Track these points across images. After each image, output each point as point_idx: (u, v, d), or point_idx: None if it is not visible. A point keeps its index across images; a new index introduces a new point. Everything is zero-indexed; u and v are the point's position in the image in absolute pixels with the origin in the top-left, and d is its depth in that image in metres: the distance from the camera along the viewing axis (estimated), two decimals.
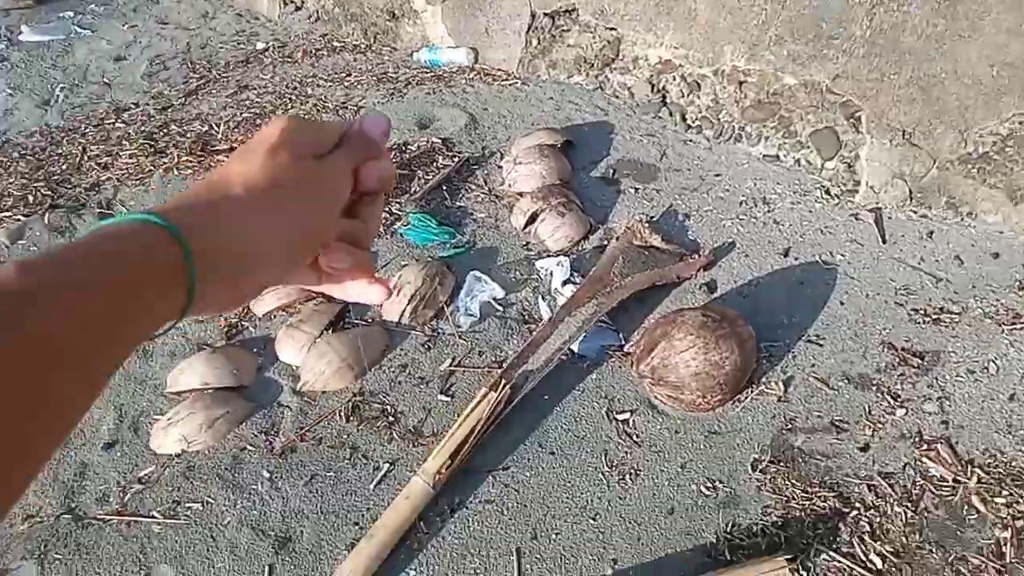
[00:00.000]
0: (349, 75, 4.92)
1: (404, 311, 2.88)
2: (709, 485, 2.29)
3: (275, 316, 2.94)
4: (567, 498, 2.27)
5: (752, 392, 2.56)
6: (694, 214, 3.44)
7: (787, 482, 2.28)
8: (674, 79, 4.06)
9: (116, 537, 2.19)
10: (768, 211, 3.45)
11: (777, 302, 2.92)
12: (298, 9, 5.96)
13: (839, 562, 2.05)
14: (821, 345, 2.75)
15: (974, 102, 3.16)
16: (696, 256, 3.16)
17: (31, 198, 3.68)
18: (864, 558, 2.05)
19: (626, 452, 2.39)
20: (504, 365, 2.53)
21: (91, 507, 2.28)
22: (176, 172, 3.85)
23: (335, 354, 2.65)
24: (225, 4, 6.26)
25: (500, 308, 2.96)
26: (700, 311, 2.56)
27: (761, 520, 2.18)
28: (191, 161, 3.96)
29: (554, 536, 2.17)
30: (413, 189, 3.64)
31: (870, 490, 2.23)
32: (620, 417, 2.51)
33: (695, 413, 2.51)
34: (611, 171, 3.78)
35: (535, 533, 2.18)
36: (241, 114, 4.43)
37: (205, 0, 6.39)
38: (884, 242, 3.26)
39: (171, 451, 2.42)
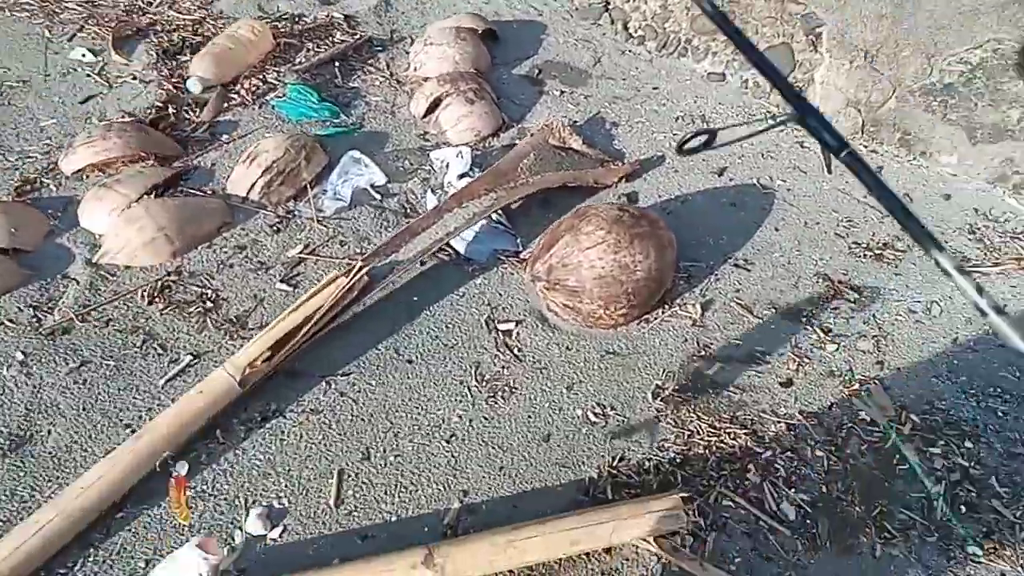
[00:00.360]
0: None
1: (255, 184, 2.31)
2: (598, 411, 1.82)
3: (88, 176, 2.32)
4: (418, 414, 1.77)
5: (663, 313, 2.11)
6: (623, 124, 2.96)
7: (692, 414, 1.83)
8: None
9: None
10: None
11: (704, 222, 2.47)
12: None
13: (744, 509, 1.61)
14: (748, 270, 2.31)
15: (948, 22, 2.75)
16: (619, 163, 2.68)
17: None
18: (775, 506, 1.63)
19: (503, 367, 1.90)
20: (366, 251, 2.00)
21: None
22: (6, 13, 3.14)
23: (151, 221, 2.07)
24: None
25: (378, 197, 2.42)
26: (616, 206, 2.08)
27: (655, 455, 1.73)
28: (28, 4, 3.25)
29: (392, 458, 1.66)
30: (298, 60, 3.04)
31: (789, 430, 1.80)
32: (502, 327, 2.02)
33: (593, 329, 2.04)
34: (536, 71, 3.26)
35: (368, 453, 1.67)
36: None
37: None
38: (829, 172, 2.83)
39: None
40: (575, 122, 2.87)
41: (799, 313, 2.17)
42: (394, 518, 1.56)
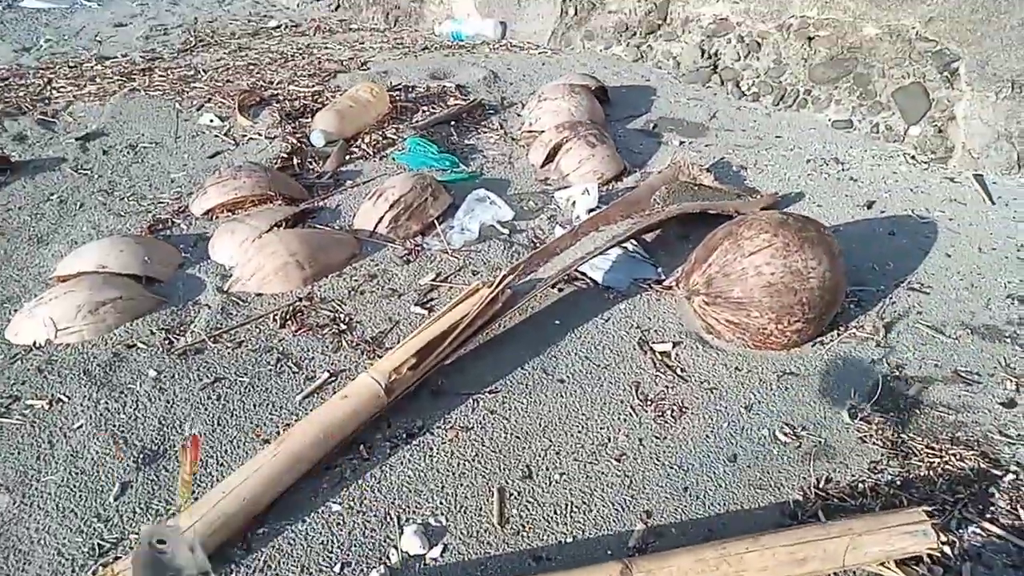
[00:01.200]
0: (360, 43, 4.46)
1: (382, 218, 2.23)
2: (788, 431, 1.56)
3: (217, 216, 2.30)
4: (579, 432, 1.54)
5: (838, 336, 1.86)
6: (751, 167, 2.82)
7: (903, 435, 1.54)
8: (729, 41, 3.52)
9: None
10: (842, 169, 2.81)
11: (864, 249, 2.25)
12: None
13: (1000, 538, 1.30)
14: (927, 294, 2.05)
15: None
16: (759, 195, 2.50)
17: None
18: None
19: (666, 387, 1.67)
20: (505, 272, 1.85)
21: None
22: (143, 93, 3.31)
23: (283, 247, 1.99)
24: None
25: (505, 232, 2.30)
26: (778, 211, 1.89)
27: (869, 477, 1.44)
28: (162, 85, 3.42)
29: (557, 476, 1.43)
30: (415, 120, 3.05)
31: None
32: (659, 348, 1.80)
33: (762, 350, 1.80)
34: (651, 124, 3.19)
35: (529, 471, 1.45)
36: (233, 63, 3.93)
37: None
38: (992, 203, 2.59)
39: (30, 340, 1.73)
40: (702, 166, 2.73)
41: (1000, 334, 1.88)
42: (569, 539, 1.31)
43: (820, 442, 1.54)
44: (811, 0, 3.19)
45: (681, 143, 3.02)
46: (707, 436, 1.55)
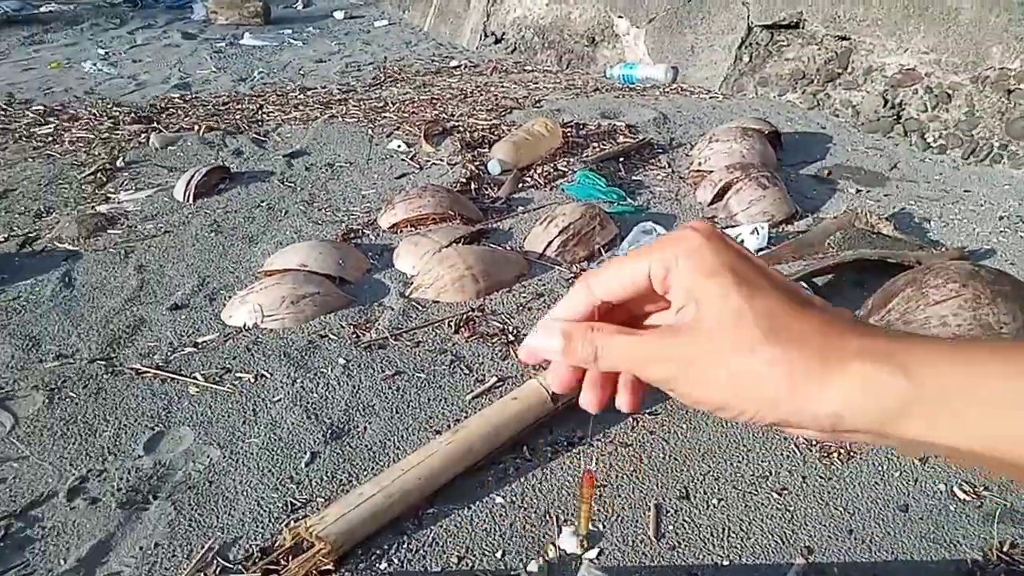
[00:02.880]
0: (535, 83, 4.68)
1: (552, 242, 2.34)
2: (968, 489, 1.47)
3: (402, 230, 2.50)
4: (738, 463, 1.54)
5: None
6: (935, 219, 2.68)
7: None
8: (915, 91, 3.38)
9: (144, 391, 1.73)
10: None
11: None
12: (497, 41, 5.94)
13: None
14: None
15: None
16: (944, 248, 2.38)
17: (196, 126, 3.59)
18: None
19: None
20: None
21: (130, 359, 1.86)
22: (339, 119, 3.65)
23: (461, 261, 2.14)
24: (429, 37, 6.42)
25: None
26: (968, 262, 1.80)
27: None
28: (356, 114, 3.76)
29: (715, 501, 1.44)
30: (585, 154, 3.17)
31: None
32: None
33: None
34: (825, 171, 3.12)
35: (686, 492, 1.46)
36: (419, 97, 4.26)
37: (411, 32, 6.61)
38: None
39: (240, 323, 1.97)
40: (880, 215, 2.64)
41: None
42: (725, 562, 1.31)
43: (1005, 505, 1.44)
44: (1014, 51, 3.02)
45: (858, 191, 2.94)
46: (876, 483, 1.49)
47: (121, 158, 3.13)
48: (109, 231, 2.52)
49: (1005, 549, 1.34)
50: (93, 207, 2.70)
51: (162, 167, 3.08)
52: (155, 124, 3.59)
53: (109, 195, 2.82)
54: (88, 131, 3.51)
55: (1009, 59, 3.05)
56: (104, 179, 2.95)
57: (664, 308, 0.44)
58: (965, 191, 2.93)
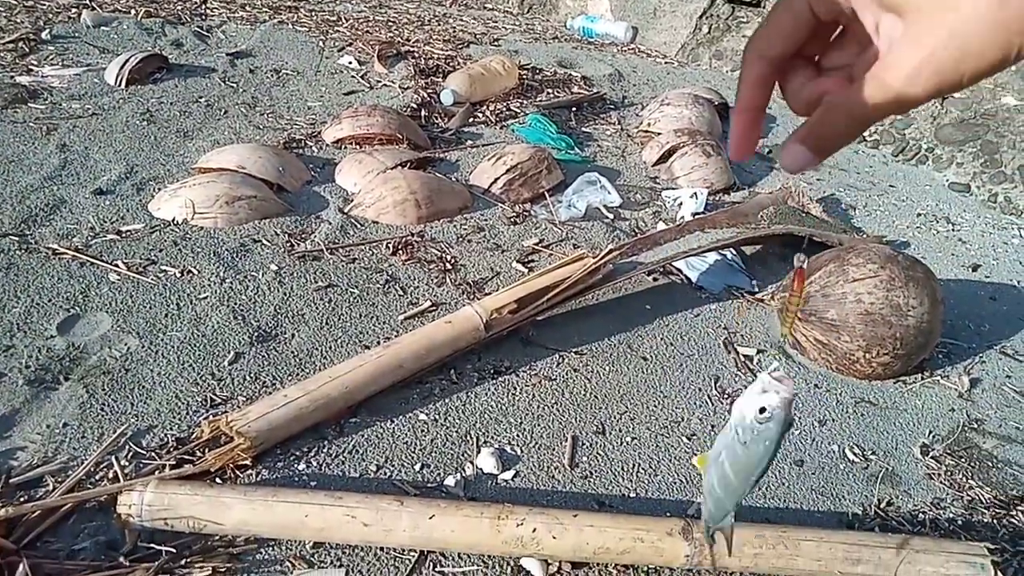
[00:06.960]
0: (494, 21, 4.59)
1: (498, 179, 2.33)
2: (857, 452, 1.59)
3: (346, 146, 2.44)
4: (654, 406, 1.61)
5: (922, 379, 1.87)
6: (860, 208, 2.82)
7: (971, 481, 1.55)
8: None
9: (60, 272, 1.65)
10: (952, 229, 2.78)
11: (962, 308, 2.24)
12: None
13: None
14: (1020, 361, 2.03)
15: None
16: (865, 235, 2.51)
17: (133, 9, 3.37)
18: None
19: (745, 386, 1.71)
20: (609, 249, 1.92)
21: (47, 238, 1.77)
22: (289, 26, 3.50)
23: (405, 184, 2.11)
24: None
25: (610, 216, 2.38)
26: (889, 247, 1.91)
27: (931, 511, 1.46)
28: (308, 23, 3.61)
29: (629, 439, 1.50)
30: (539, 99, 3.15)
31: None
32: (742, 351, 1.85)
33: (844, 375, 1.83)
34: (765, 148, 3.21)
35: (603, 428, 1.52)
36: (374, 17, 4.11)
37: None
38: None
39: (169, 216, 1.89)
40: (812, 197, 2.74)
41: None
42: (632, 494, 1.38)
43: (887, 469, 1.57)
44: None
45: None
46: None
47: (48, 30, 2.91)
48: (30, 104, 2.37)
49: (882, 507, 1.46)
50: (12, 77, 2.51)
51: (93, 46, 2.89)
52: (88, 1, 3.35)
53: (32, 67, 2.63)
54: None
55: None
56: (26, 49, 2.75)
57: (828, 51, 0.41)
58: (890, 186, 3.07)
